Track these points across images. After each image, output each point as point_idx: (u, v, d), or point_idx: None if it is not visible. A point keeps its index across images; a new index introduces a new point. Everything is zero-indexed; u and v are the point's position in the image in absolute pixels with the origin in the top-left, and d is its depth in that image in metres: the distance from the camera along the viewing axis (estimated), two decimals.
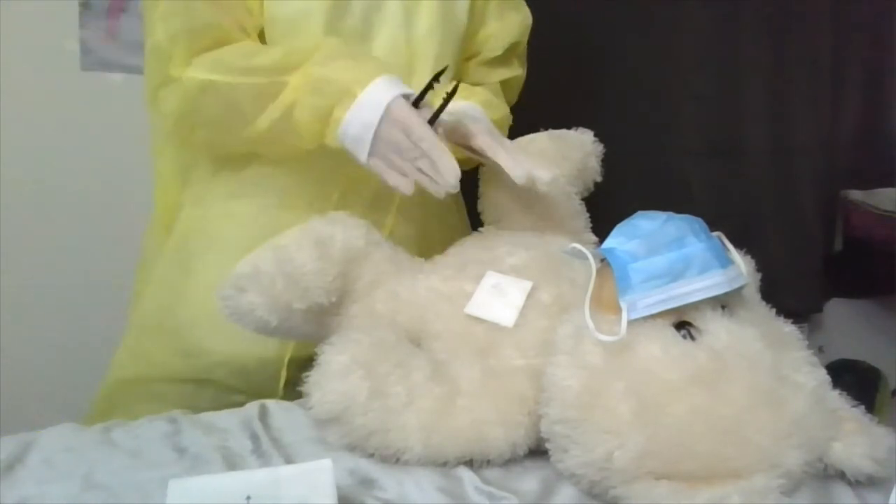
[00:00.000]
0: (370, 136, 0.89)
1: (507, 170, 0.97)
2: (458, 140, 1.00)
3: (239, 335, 1.02)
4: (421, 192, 1.01)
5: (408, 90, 0.92)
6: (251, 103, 0.94)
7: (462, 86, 1.08)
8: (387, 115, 0.89)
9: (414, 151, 0.89)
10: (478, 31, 1.15)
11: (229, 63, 0.94)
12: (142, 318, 1.11)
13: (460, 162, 1.17)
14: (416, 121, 0.89)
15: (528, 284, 0.93)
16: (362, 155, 0.91)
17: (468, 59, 1.16)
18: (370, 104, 0.90)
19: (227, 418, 0.94)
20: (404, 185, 0.91)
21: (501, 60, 1.19)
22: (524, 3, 1.19)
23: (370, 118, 0.89)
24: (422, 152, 0.89)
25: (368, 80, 0.91)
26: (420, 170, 0.90)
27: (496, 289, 0.94)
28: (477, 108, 1.05)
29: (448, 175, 0.89)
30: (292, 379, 0.97)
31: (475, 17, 1.13)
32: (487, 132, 0.99)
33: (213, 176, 1.06)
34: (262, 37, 1.02)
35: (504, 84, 1.20)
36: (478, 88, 1.10)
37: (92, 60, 1.56)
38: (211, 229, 1.06)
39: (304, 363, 0.89)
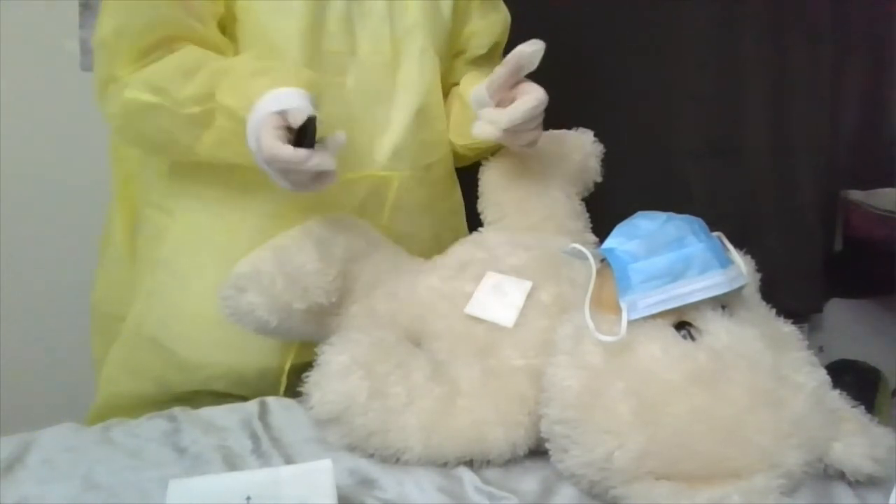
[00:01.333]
0: (260, 158, 0.87)
1: (500, 112, 0.97)
2: (508, 83, 0.99)
3: (238, 346, 1.02)
4: (412, 191, 1.02)
5: (285, 105, 0.86)
6: (187, 132, 0.93)
7: (474, 76, 1.10)
8: (259, 146, 0.86)
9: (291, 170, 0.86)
10: (462, 29, 1.16)
11: (167, 88, 0.91)
12: (134, 331, 1.09)
13: (464, 158, 1.17)
14: (264, 133, 0.85)
15: (528, 284, 0.93)
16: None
17: (454, 56, 1.17)
18: (252, 130, 0.87)
19: (226, 415, 0.94)
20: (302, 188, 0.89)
21: (487, 59, 1.20)
22: (502, 4, 1.21)
23: (253, 144, 0.87)
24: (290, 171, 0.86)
25: (249, 104, 0.88)
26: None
27: (496, 289, 0.94)
28: None
29: (325, 180, 0.87)
30: (292, 385, 0.97)
31: (459, 14, 1.13)
32: (532, 87, 0.99)
33: (199, 181, 1.04)
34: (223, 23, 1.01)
35: None
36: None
37: (92, 60, 1.55)
38: (205, 240, 1.04)
39: (303, 370, 0.88)
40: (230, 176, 1.00)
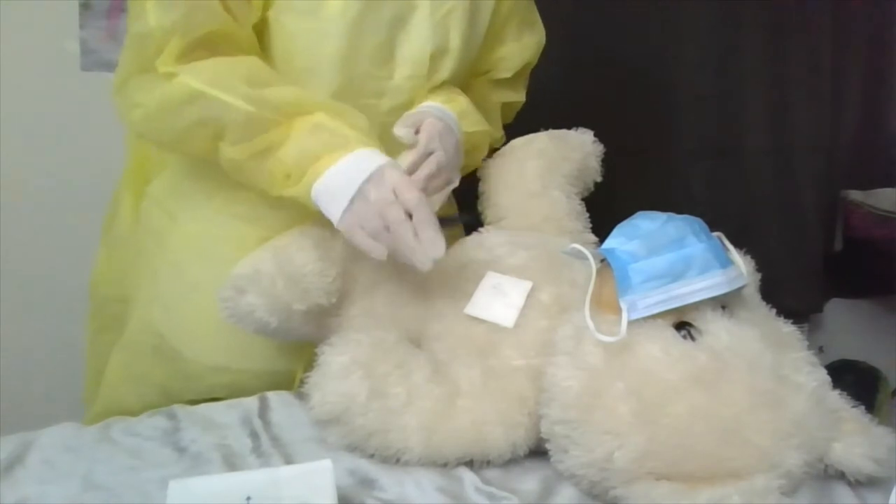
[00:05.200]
0: (352, 191, 0.85)
1: None
2: (403, 122, 0.98)
3: (243, 352, 1.02)
4: None
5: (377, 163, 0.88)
6: (238, 129, 0.89)
7: (447, 88, 1.06)
8: (377, 174, 0.86)
9: (393, 215, 0.85)
10: (493, 50, 1.13)
11: (232, 83, 0.88)
12: (136, 338, 1.08)
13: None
14: (410, 185, 0.85)
15: (528, 285, 0.93)
16: (336, 210, 0.87)
17: (477, 75, 1.14)
18: (363, 160, 0.87)
19: (226, 412, 0.94)
20: (377, 250, 0.86)
21: (509, 83, 1.18)
22: (540, 23, 1.18)
23: (358, 174, 0.86)
24: (401, 219, 0.85)
25: (370, 142, 0.89)
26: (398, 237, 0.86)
27: (496, 289, 0.94)
28: (450, 113, 1.03)
29: (431, 248, 0.85)
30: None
31: (493, 36, 1.10)
32: (435, 133, 0.97)
33: (204, 189, 1.03)
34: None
35: (504, 106, 1.20)
36: (461, 97, 1.07)
37: (92, 60, 1.56)
38: (207, 249, 1.03)
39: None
40: (237, 187, 0.99)
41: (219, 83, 0.88)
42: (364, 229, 0.87)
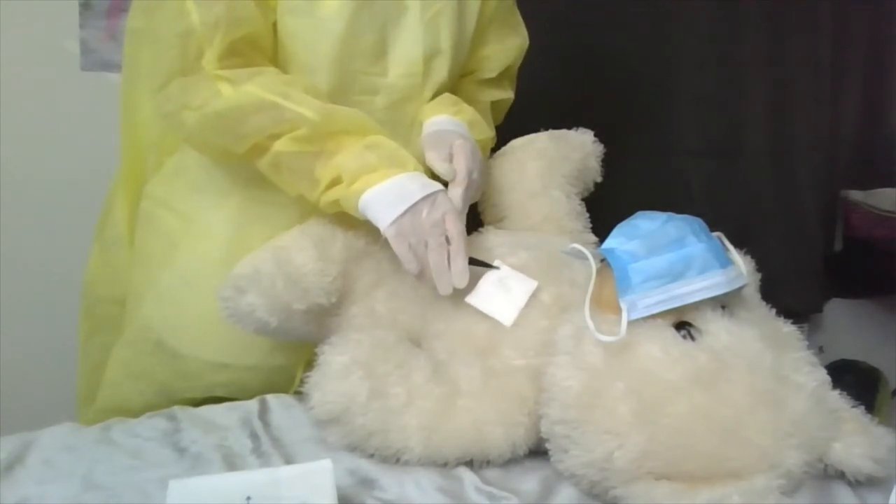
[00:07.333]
0: (408, 204, 0.90)
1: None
2: (438, 155, 1.00)
3: (246, 351, 1.02)
4: None
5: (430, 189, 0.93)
6: (301, 134, 0.92)
7: (452, 99, 1.08)
8: (433, 197, 0.91)
9: (436, 238, 0.90)
10: (477, 51, 1.15)
11: (301, 96, 0.92)
12: (139, 334, 1.08)
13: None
14: (458, 216, 0.92)
15: (533, 284, 0.93)
16: (388, 216, 0.90)
17: (463, 76, 1.16)
18: (421, 181, 0.92)
19: (226, 414, 0.94)
20: (412, 264, 0.91)
21: (494, 82, 1.20)
22: (523, 26, 1.20)
23: (417, 191, 0.91)
24: (442, 243, 0.90)
25: (423, 170, 0.95)
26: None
27: (501, 283, 0.94)
28: (462, 125, 1.06)
29: (457, 277, 0.90)
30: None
31: (478, 37, 1.12)
32: (469, 155, 1.00)
33: (223, 191, 1.04)
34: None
35: (493, 105, 1.21)
36: (467, 107, 1.10)
37: (92, 60, 1.55)
38: (224, 250, 1.02)
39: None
40: (255, 189, 1.00)
41: (289, 95, 0.92)
42: (407, 240, 0.90)
